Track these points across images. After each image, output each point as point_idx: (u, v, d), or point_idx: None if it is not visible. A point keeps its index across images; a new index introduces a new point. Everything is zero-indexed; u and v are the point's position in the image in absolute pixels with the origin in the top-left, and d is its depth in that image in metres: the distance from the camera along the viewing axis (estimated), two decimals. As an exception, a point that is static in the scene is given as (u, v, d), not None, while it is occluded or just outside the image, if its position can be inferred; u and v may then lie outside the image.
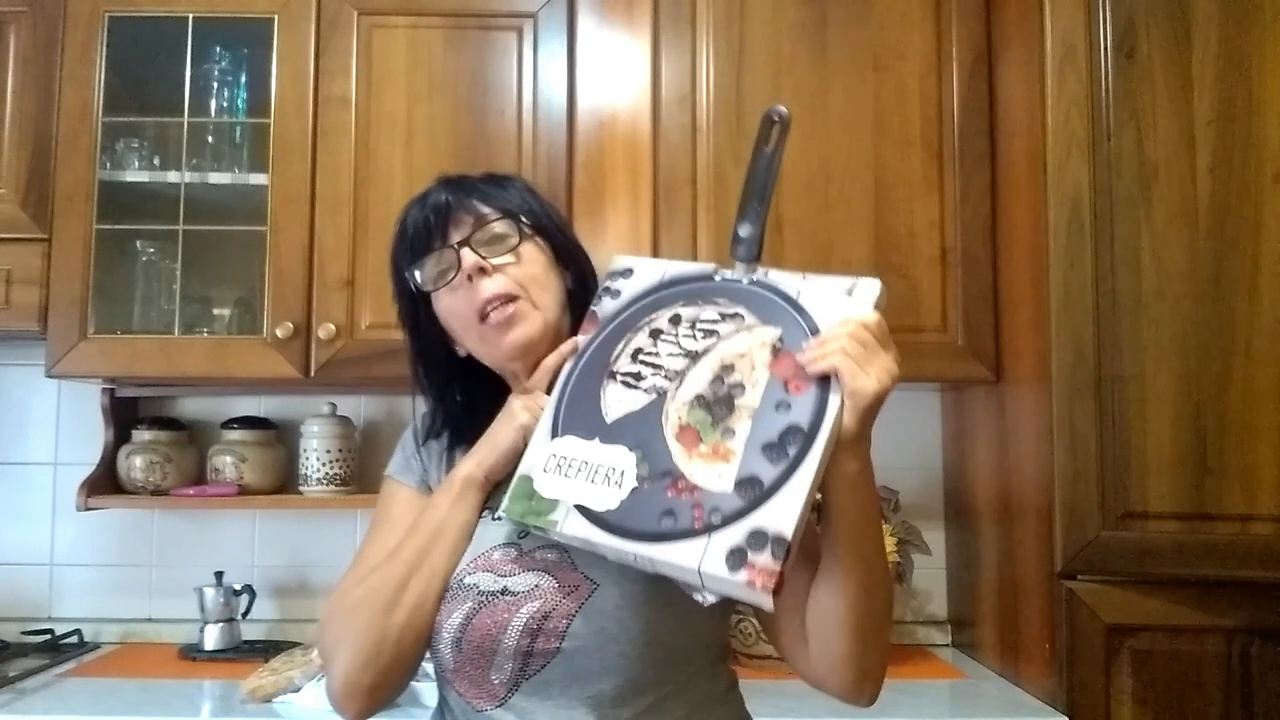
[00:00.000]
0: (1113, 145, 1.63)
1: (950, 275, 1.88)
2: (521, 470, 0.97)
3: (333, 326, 1.86)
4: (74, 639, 2.06)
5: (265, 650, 1.96)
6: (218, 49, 1.97)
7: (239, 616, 2.04)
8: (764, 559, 0.82)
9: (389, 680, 1.00)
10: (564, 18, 1.92)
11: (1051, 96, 1.65)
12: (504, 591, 0.99)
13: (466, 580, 1.02)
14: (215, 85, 1.97)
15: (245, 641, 2.03)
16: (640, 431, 0.92)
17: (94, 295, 1.87)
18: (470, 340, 1.09)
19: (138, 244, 1.97)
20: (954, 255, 1.88)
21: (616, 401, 0.95)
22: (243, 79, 1.99)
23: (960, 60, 1.91)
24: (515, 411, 1.04)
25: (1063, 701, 1.59)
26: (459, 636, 0.99)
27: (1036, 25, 1.68)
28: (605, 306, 1.02)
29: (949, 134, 1.90)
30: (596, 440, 0.94)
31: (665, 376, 0.94)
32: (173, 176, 1.94)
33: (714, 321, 0.95)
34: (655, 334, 0.97)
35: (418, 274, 1.08)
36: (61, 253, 1.87)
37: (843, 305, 0.91)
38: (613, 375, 0.96)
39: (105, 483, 2.04)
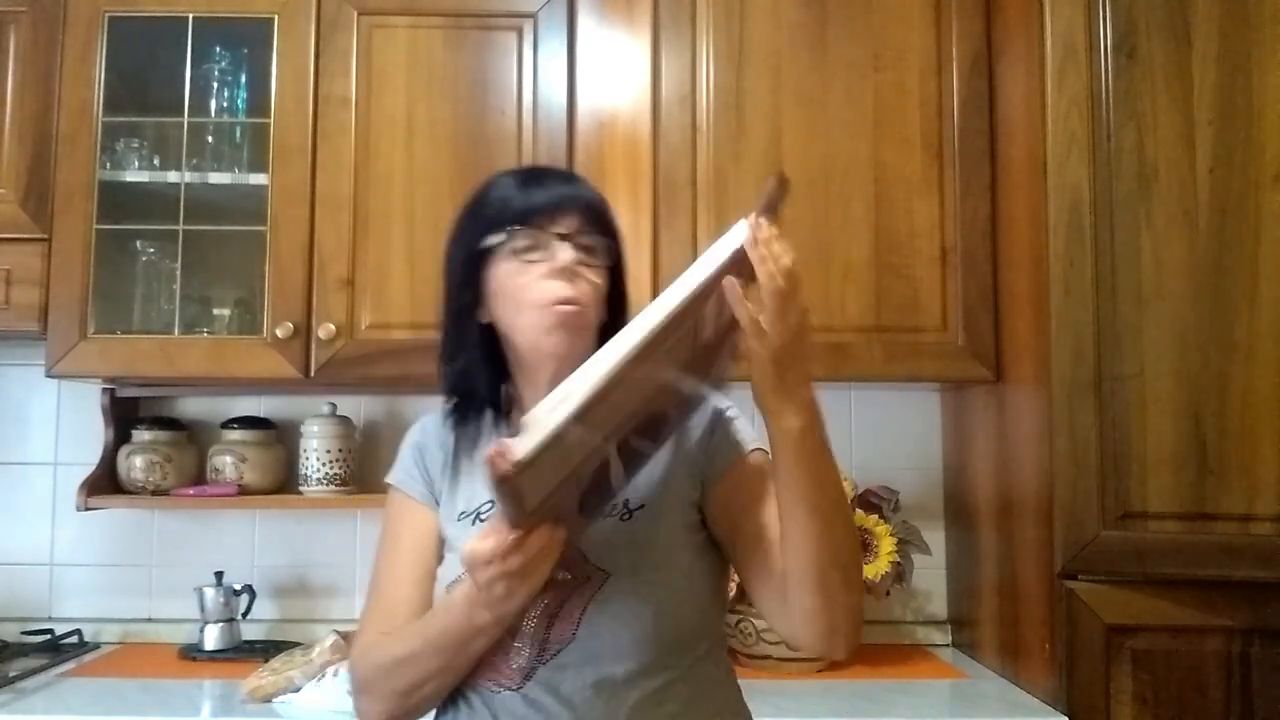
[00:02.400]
0: (1113, 145, 1.63)
1: (950, 275, 1.88)
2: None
3: (333, 326, 1.86)
4: (74, 639, 2.06)
5: (265, 650, 1.96)
6: (218, 49, 1.97)
7: (239, 616, 2.04)
8: None
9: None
10: (564, 18, 1.92)
11: (1051, 96, 1.65)
12: None
13: None
14: (215, 85, 1.97)
15: (245, 641, 2.03)
16: None
17: (94, 295, 1.87)
18: (516, 314, 1.09)
19: (138, 244, 1.97)
20: (954, 255, 1.88)
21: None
22: (243, 79, 1.99)
23: (960, 60, 1.91)
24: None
25: (1063, 701, 1.59)
26: None
27: (1036, 25, 1.68)
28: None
29: (949, 134, 1.90)
30: None
31: None
32: (173, 176, 1.94)
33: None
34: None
35: (506, 239, 1.08)
36: (61, 253, 1.87)
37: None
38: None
39: (105, 483, 2.04)
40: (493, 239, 1.09)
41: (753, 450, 1.11)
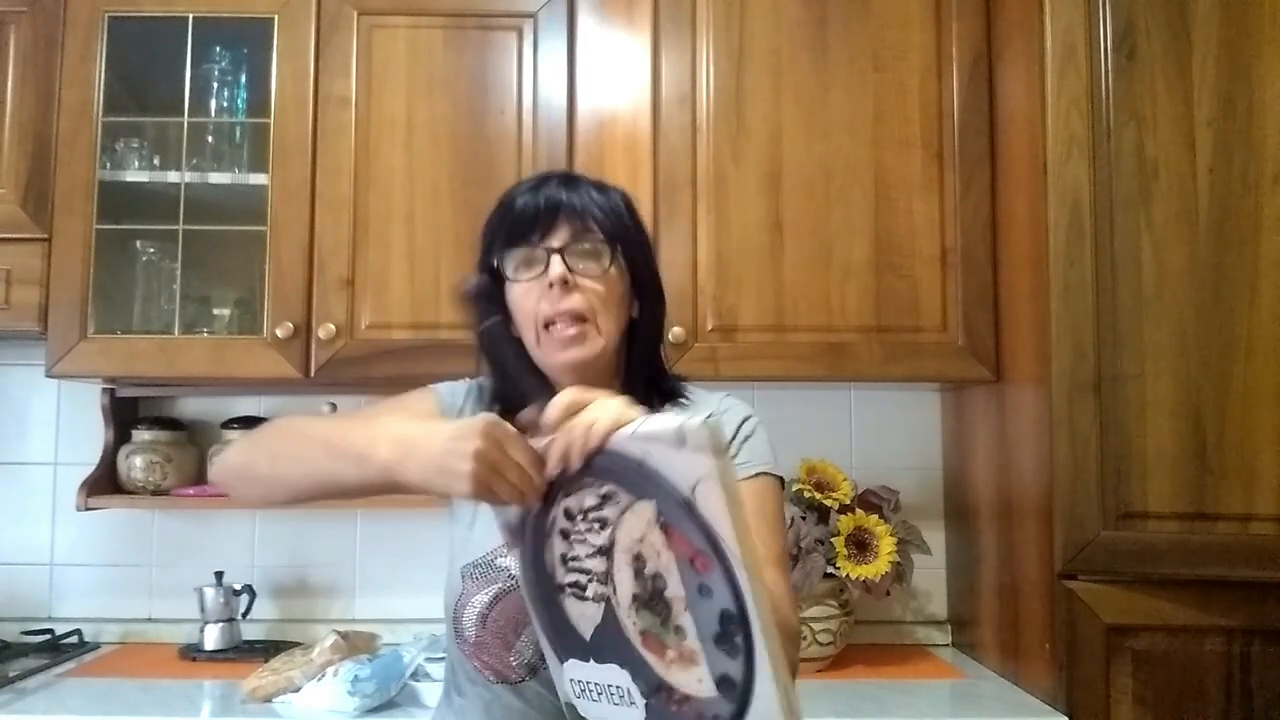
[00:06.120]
0: (1113, 145, 1.63)
1: (950, 275, 1.88)
2: (562, 699, 0.98)
3: (333, 326, 1.86)
4: (74, 639, 2.06)
5: (265, 650, 1.96)
6: (218, 49, 1.97)
7: (239, 616, 2.04)
8: None
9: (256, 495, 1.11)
10: (564, 18, 1.92)
11: (1051, 96, 1.65)
12: None
13: (499, 562, 1.07)
14: (215, 85, 1.97)
15: (245, 641, 2.03)
16: (617, 646, 0.90)
17: (94, 295, 1.87)
18: (527, 336, 1.11)
19: (138, 244, 1.97)
20: (954, 255, 1.88)
21: (580, 617, 0.93)
22: (243, 79, 1.98)
23: (960, 60, 1.91)
24: (468, 454, 0.87)
25: (1063, 701, 1.59)
26: (485, 613, 1.06)
27: (1036, 25, 1.68)
28: (507, 513, 0.97)
29: (949, 134, 1.90)
30: (592, 661, 0.93)
31: (599, 580, 0.90)
32: (173, 176, 1.94)
33: (597, 508, 0.89)
34: (565, 535, 0.92)
35: (507, 260, 1.10)
36: (61, 253, 1.87)
37: (684, 461, 0.82)
38: (561, 589, 0.93)
39: (105, 483, 2.04)
40: (494, 260, 1.10)
41: (756, 474, 1.10)
